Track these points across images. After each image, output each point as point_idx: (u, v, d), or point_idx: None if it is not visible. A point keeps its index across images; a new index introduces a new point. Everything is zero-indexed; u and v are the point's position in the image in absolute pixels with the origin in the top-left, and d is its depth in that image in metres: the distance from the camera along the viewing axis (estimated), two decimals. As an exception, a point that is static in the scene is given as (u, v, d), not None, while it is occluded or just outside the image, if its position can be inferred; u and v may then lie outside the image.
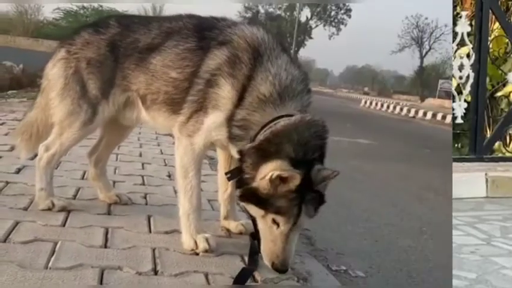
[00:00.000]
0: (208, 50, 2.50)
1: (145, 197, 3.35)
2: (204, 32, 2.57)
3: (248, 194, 2.30)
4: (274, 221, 2.28)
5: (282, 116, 2.32)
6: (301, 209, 2.25)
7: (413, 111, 28.27)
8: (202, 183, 3.72)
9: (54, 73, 2.84)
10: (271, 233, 2.29)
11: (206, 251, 2.47)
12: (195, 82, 2.50)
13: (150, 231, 2.71)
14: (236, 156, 2.44)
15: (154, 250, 2.44)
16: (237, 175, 2.39)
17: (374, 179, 6.96)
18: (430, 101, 47.35)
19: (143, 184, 3.72)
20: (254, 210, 2.34)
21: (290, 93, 2.38)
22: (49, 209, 2.78)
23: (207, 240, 2.49)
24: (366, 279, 3.18)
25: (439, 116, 25.45)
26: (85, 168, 3.64)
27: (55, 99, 2.81)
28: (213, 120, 2.44)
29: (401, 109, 29.99)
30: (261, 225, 2.35)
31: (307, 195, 2.24)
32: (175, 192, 3.45)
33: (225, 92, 2.41)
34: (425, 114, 26.79)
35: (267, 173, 2.22)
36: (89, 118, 2.77)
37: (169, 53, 2.62)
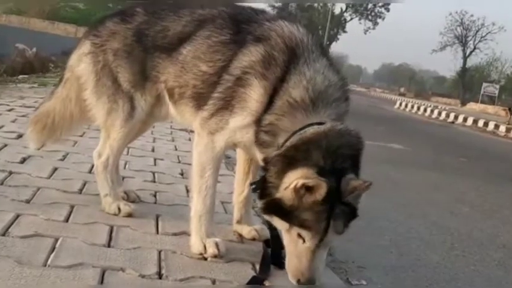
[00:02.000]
0: (243, 45, 2.49)
1: (154, 195, 3.38)
2: (241, 24, 2.56)
3: (271, 205, 2.27)
4: (299, 236, 2.23)
5: (313, 124, 2.29)
6: (329, 224, 2.19)
7: (452, 115, 27.92)
8: (217, 184, 3.76)
9: (83, 69, 2.89)
10: (297, 248, 2.25)
11: (215, 256, 2.48)
12: (225, 78, 2.49)
13: (157, 232, 2.73)
14: (261, 163, 2.44)
15: (160, 252, 2.46)
16: (261, 185, 2.35)
17: (403, 188, 6.89)
18: (472, 106, 46.68)
19: (153, 181, 3.75)
20: (278, 223, 2.30)
21: (325, 100, 2.35)
22: (116, 215, 2.84)
23: (216, 244, 2.50)
24: (389, 296, 3.16)
25: (481, 123, 25.05)
26: (93, 161, 3.68)
27: (91, 99, 2.87)
28: (240, 122, 2.44)
29: (440, 113, 29.65)
30: (285, 239, 2.31)
31: (336, 208, 2.18)
32: (187, 191, 3.51)
33: (256, 94, 2.40)
34: (465, 119, 26.43)
35: (291, 181, 2.18)
36: (129, 113, 2.82)
37: (201, 44, 2.62)
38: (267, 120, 2.36)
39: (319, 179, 2.12)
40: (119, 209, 2.86)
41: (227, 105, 2.47)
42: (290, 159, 2.24)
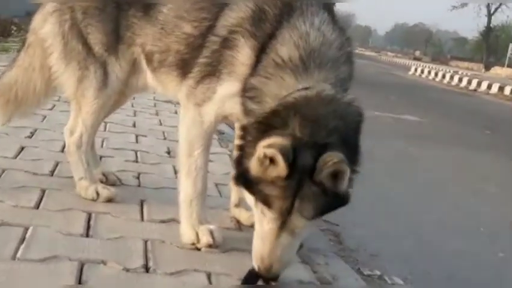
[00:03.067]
0: None
1: (137, 177, 3.37)
2: None
3: (241, 176, 2.24)
4: (263, 213, 2.20)
5: (303, 89, 2.22)
6: (293, 204, 2.11)
7: (474, 82, 27.91)
8: (210, 164, 3.72)
9: (47, 31, 2.84)
10: (261, 228, 2.21)
11: (210, 245, 2.48)
12: (210, 40, 2.46)
13: (142, 219, 2.72)
14: (237, 131, 2.42)
15: (146, 242, 2.45)
16: (237, 155, 2.33)
17: (420, 165, 6.89)
18: (497, 71, 46.69)
19: (136, 161, 3.74)
20: (247, 196, 2.28)
21: (317, 60, 2.27)
22: (94, 200, 2.83)
23: (211, 232, 2.50)
24: (405, 287, 3.18)
25: (507, 90, 25.06)
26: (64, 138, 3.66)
27: (58, 65, 2.83)
28: (228, 90, 2.41)
29: (460, 79, 29.63)
30: (254, 216, 2.29)
31: (306, 188, 2.09)
32: (175, 172, 3.49)
33: (244, 56, 2.36)
34: (489, 86, 26.41)
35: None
36: (103, 81, 2.79)
37: (185, 1, 2.59)
38: (250, 84, 2.32)
39: (278, 150, 2.04)
40: (97, 193, 2.84)
41: (214, 72, 2.44)
42: (266, 127, 2.19)
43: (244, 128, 2.34)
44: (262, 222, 2.19)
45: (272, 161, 2.07)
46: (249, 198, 2.25)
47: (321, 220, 2.50)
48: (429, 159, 7.37)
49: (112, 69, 2.79)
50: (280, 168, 2.05)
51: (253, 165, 2.14)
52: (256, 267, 2.20)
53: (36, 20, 2.90)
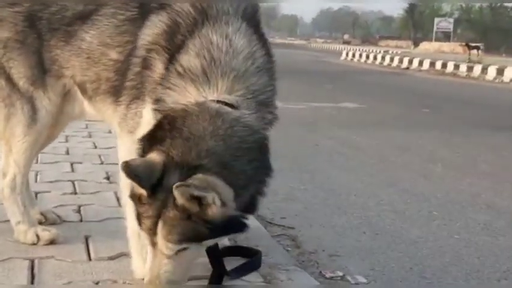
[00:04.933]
0: (146, 17, 2.40)
1: (78, 211, 3.29)
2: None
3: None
4: None
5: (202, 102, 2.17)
6: (156, 225, 2.07)
7: (406, 60, 28.70)
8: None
9: None
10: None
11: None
12: (132, 62, 2.42)
13: (90, 259, 2.65)
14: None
15: (97, 284, 2.38)
16: None
17: (365, 153, 6.99)
18: (425, 46, 48.14)
19: (74, 192, 3.65)
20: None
21: (220, 70, 2.20)
22: (34, 244, 2.72)
23: None
24: (369, 285, 3.19)
25: (438, 65, 25.87)
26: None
27: None
28: (151, 112, 2.34)
29: (392, 59, 30.43)
30: None
31: (169, 211, 2.03)
32: (118, 199, 3.41)
33: (157, 73, 2.32)
34: (420, 63, 27.23)
35: None
36: (31, 117, 2.69)
37: (107, 26, 2.53)
38: (157, 96, 2.27)
39: (131, 171, 2.00)
40: (37, 236, 2.74)
41: (139, 95, 2.39)
42: (152, 140, 2.15)
43: (140, 141, 2.27)
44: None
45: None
46: None
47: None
48: (372, 146, 7.47)
49: (40, 103, 2.70)
50: (142, 189, 2.05)
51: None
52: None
53: None
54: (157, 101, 2.26)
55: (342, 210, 4.54)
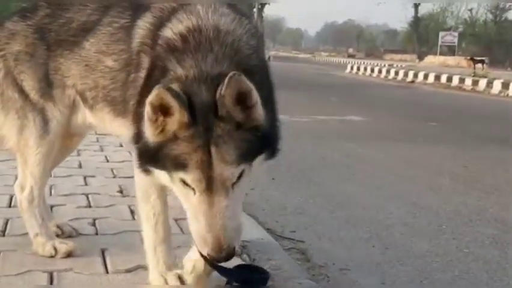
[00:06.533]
0: (136, 24, 2.40)
1: (93, 224, 3.31)
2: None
3: (143, 155, 2.06)
4: (184, 183, 1.98)
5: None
6: (209, 152, 1.90)
7: (411, 74, 28.70)
8: (168, 197, 3.68)
9: None
10: (190, 205, 2.00)
11: (180, 290, 2.44)
12: (130, 71, 2.42)
13: (107, 271, 2.66)
14: None
15: (116, 297, 2.42)
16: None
17: (373, 166, 7.01)
18: (430, 59, 48.16)
19: (89, 206, 3.67)
20: (160, 177, 2.07)
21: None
22: (52, 257, 2.74)
23: (179, 277, 2.45)
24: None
25: (444, 78, 25.86)
26: (10, 191, 3.54)
27: None
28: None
29: (397, 73, 30.41)
30: (177, 195, 2.08)
31: (215, 129, 1.91)
32: (132, 212, 3.45)
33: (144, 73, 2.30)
34: (426, 76, 27.22)
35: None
36: (43, 128, 2.72)
37: (104, 34, 2.57)
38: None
39: (166, 93, 1.87)
40: (55, 249, 2.77)
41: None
42: (147, 92, 2.00)
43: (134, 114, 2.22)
44: (188, 196, 1.99)
45: (165, 111, 1.91)
46: (162, 177, 2.05)
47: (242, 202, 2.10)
48: (380, 159, 7.49)
49: (51, 114, 2.73)
50: (178, 114, 1.89)
51: (148, 130, 1.97)
52: (206, 255, 2.00)
53: None
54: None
55: (351, 223, 4.56)
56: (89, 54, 2.60)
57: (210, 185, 1.92)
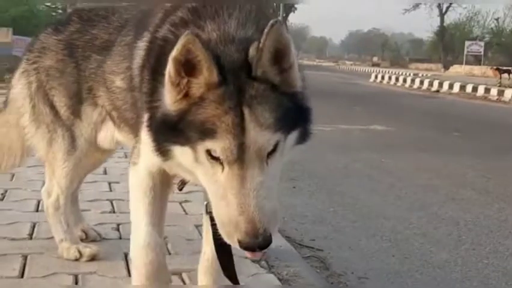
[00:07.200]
0: (136, 45, 2.28)
1: (117, 229, 3.37)
2: (147, 18, 2.32)
3: (159, 131, 1.80)
4: (211, 157, 1.70)
5: None
6: (242, 114, 1.67)
7: (436, 83, 28.45)
8: (187, 204, 3.70)
9: (17, 92, 2.86)
10: (217, 186, 1.72)
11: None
12: (134, 90, 2.30)
13: (129, 275, 2.69)
14: None
15: (138, 299, 2.44)
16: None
17: (394, 176, 6.98)
18: (456, 69, 47.71)
19: (113, 211, 3.75)
20: (179, 153, 1.78)
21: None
22: (77, 260, 2.82)
23: None
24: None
25: (469, 88, 25.60)
26: (38, 196, 3.63)
27: (30, 127, 2.84)
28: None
29: (421, 82, 30.16)
30: (201, 180, 1.80)
31: (248, 89, 1.70)
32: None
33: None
34: (451, 86, 26.95)
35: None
36: (70, 144, 2.79)
37: (115, 54, 2.56)
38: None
39: (193, 45, 1.66)
40: (79, 252, 2.84)
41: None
42: (163, 64, 1.81)
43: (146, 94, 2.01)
44: (215, 176, 1.72)
45: (191, 69, 1.70)
46: (182, 154, 1.78)
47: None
48: (402, 169, 7.47)
49: (79, 131, 2.78)
50: (206, 70, 1.68)
51: (169, 96, 1.75)
52: (236, 244, 1.69)
53: (14, 77, 2.92)
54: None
55: (371, 233, 4.58)
56: (104, 75, 2.60)
57: (242, 156, 1.67)
